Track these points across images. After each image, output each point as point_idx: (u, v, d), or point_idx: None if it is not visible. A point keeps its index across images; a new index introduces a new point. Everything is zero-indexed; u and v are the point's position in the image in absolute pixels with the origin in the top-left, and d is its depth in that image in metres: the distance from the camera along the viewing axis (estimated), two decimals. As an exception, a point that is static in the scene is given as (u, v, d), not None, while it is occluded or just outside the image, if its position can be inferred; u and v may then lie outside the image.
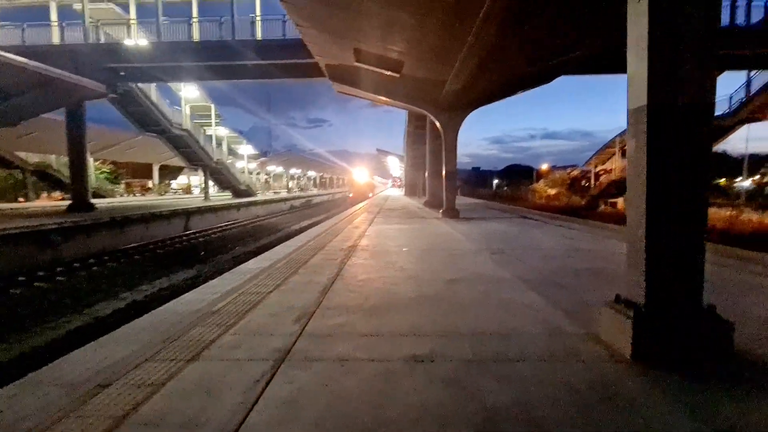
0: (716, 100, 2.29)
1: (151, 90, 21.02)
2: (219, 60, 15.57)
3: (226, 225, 21.51)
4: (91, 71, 15.73)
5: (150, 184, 45.35)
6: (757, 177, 45.84)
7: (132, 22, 16.05)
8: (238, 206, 26.81)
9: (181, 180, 53.98)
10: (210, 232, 18.85)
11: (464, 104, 11.35)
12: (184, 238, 16.56)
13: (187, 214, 20.11)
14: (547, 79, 11.37)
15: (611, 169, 40.21)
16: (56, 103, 14.41)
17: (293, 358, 2.29)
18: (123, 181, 44.26)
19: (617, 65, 15.14)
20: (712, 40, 2.20)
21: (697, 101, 2.17)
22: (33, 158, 30.57)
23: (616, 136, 33.45)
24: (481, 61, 7.69)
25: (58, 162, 31.78)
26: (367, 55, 8.69)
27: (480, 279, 4.14)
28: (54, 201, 27.54)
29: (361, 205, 21.46)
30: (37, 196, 31.47)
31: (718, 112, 22.59)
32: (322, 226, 9.94)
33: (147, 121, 21.35)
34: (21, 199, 29.23)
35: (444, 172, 11.56)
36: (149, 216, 16.59)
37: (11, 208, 19.99)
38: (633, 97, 2.35)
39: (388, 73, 9.20)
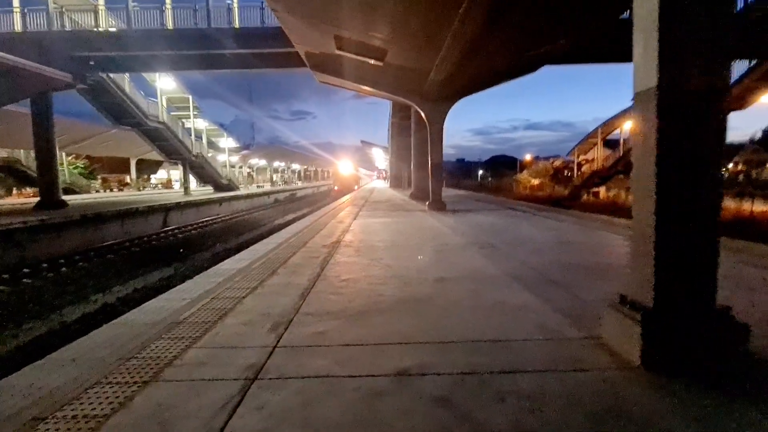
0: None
1: (125, 81, 20.11)
2: (195, 49, 14.90)
3: (207, 220, 20.90)
4: (58, 60, 14.87)
5: (128, 179, 43.87)
6: (731, 165, 47.19)
7: (100, 7, 15.17)
8: (219, 201, 26.11)
9: (161, 174, 52.45)
10: (190, 228, 18.25)
11: (449, 94, 11.09)
12: (162, 235, 15.97)
13: (166, 210, 19.43)
14: (532, 68, 11.20)
15: (593, 159, 40.76)
16: (18, 94, 13.58)
17: (266, 377, 2.02)
18: (99, 177, 42.74)
19: (601, 54, 15.14)
20: (726, 19, 2.00)
21: (712, 84, 1.96)
22: (0, 153, 29.13)
23: (598, 126, 33.76)
24: (467, 48, 7.43)
25: (28, 157, 30.36)
26: (348, 42, 8.33)
27: (470, 277, 3.93)
28: (25, 198, 26.30)
29: (345, 198, 21.13)
30: (8, 193, 30.08)
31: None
32: (305, 220, 9.62)
33: (121, 113, 20.46)
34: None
35: (429, 164, 11.34)
36: (124, 212, 15.92)
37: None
38: (640, 78, 2.12)
39: (372, 61, 8.86)
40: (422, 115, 11.41)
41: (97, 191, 36.99)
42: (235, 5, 15.06)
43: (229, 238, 16.69)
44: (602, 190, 33.69)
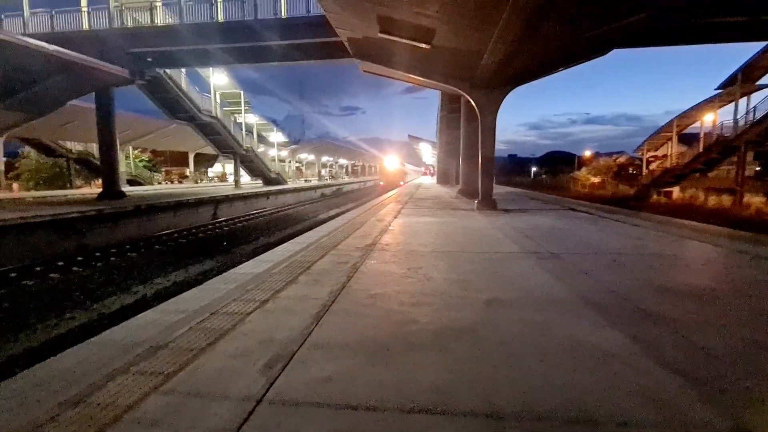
0: None
1: (181, 77, 20.89)
2: (242, 41, 14.91)
3: (254, 213, 21.24)
4: (117, 57, 15.56)
5: (187, 171, 46.47)
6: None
7: (157, 3, 15.63)
8: (267, 194, 26.60)
9: (217, 168, 55.15)
10: (237, 220, 18.57)
11: (503, 81, 9.99)
12: (209, 227, 16.30)
13: (215, 202, 19.96)
14: (601, 50, 9.80)
15: (665, 156, 36.81)
16: (80, 89, 14.34)
17: (230, 461, 1.38)
18: (163, 169, 45.69)
19: (676, 35, 13.12)
20: None
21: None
22: (76, 147, 31.81)
23: (673, 119, 30.30)
24: (527, 23, 6.41)
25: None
26: (393, 23, 7.58)
27: (529, 300, 3.07)
28: (97, 188, 28.51)
29: (390, 193, 20.49)
30: (86, 183, 32.84)
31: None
32: (344, 217, 9.07)
33: (176, 108, 21.30)
34: (77, 186, 30.61)
35: (480, 158, 10.33)
36: (175, 204, 16.43)
37: (51, 196, 20.64)
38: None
39: (418, 44, 8.06)
40: (473, 104, 10.41)
41: (160, 183, 39.51)
42: (282, -5, 14.87)
43: (273, 231, 16.70)
44: (675, 190, 30.20)
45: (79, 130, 26.58)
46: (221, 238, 14.43)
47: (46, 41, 12.77)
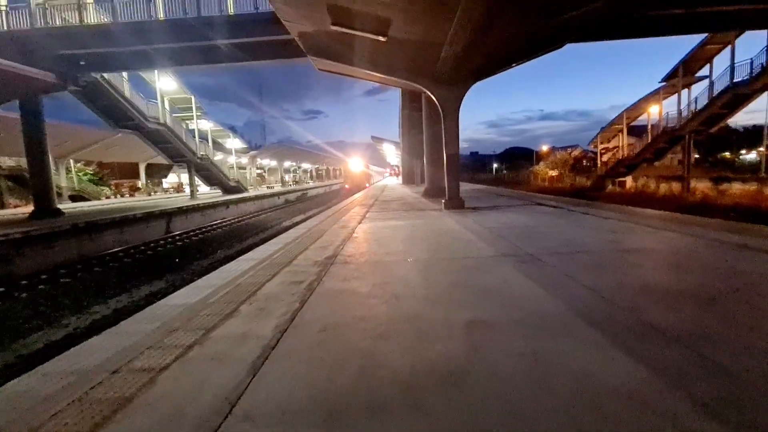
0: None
1: (123, 82, 19.30)
2: (185, 41, 13.81)
3: (213, 225, 19.98)
4: (45, 61, 14.02)
5: (139, 184, 43.60)
6: (762, 149, 44.29)
7: (87, 1, 14.20)
8: (226, 203, 25.24)
9: (172, 178, 52.19)
10: (193, 233, 17.32)
11: (465, 75, 9.68)
12: (161, 242, 15.03)
13: (169, 215, 18.56)
14: (556, 42, 9.71)
15: (616, 147, 38.51)
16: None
17: None
18: (112, 182, 42.60)
19: (626, 29, 13.40)
20: None
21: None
22: (7, 162, 28.92)
23: (622, 112, 31.64)
24: (487, 10, 6.05)
25: (36, 165, 30.08)
26: (345, 13, 7.01)
27: (517, 319, 2.59)
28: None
29: (356, 196, 19.89)
30: (23, 202, 29.83)
31: (737, 78, 20.82)
32: (305, 225, 8.38)
33: (119, 115, 19.69)
34: (10, 204, 27.67)
35: (445, 157, 9.95)
36: (121, 220, 15.02)
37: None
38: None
39: (373, 36, 7.53)
40: (435, 101, 10.02)
41: (108, 197, 36.74)
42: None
43: (232, 243, 15.66)
44: (629, 179, 31.54)
45: (8, 143, 24.08)
46: (174, 255, 13.28)
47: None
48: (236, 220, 22.57)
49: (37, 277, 9.82)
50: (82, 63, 15.60)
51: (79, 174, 35.20)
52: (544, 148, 76.73)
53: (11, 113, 18.92)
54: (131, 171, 44.98)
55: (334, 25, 7.35)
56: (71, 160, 32.72)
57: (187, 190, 44.25)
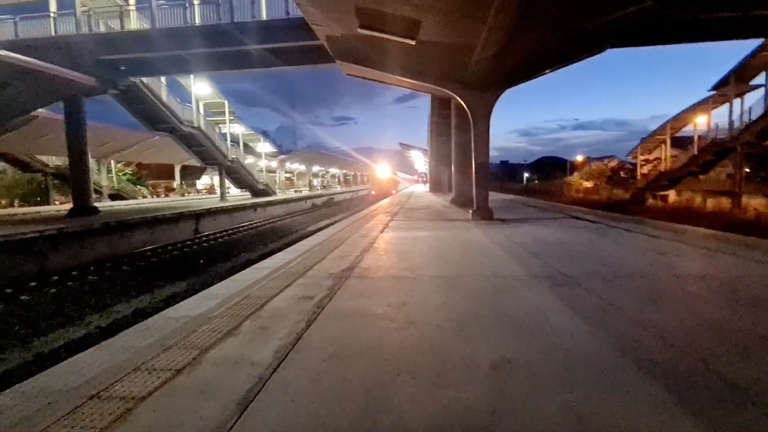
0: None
1: (161, 86, 20.00)
2: (218, 46, 14.07)
3: (239, 227, 20.23)
4: (86, 65, 14.65)
5: (174, 184, 45.27)
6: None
7: (130, 7, 14.77)
8: (254, 206, 25.61)
9: (205, 180, 53.95)
10: (219, 235, 17.56)
11: (496, 81, 9.24)
12: (188, 243, 15.27)
13: (197, 216, 18.94)
14: (594, 48, 9.15)
15: (657, 159, 36.50)
16: (43, 98, 13.37)
17: None
18: (149, 182, 44.48)
19: (671, 33, 12.51)
20: None
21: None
22: (54, 161, 30.61)
23: (666, 122, 29.92)
24: (523, 11, 5.65)
25: (80, 165, 31.74)
26: (373, 15, 6.79)
27: (555, 361, 2.18)
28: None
29: (381, 203, 19.65)
30: (67, 199, 31.54)
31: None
32: (326, 232, 8.17)
33: (155, 118, 20.35)
34: (56, 201, 29.30)
35: (474, 165, 9.51)
36: (152, 220, 15.40)
37: (23, 212, 19.51)
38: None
39: (402, 40, 7.26)
40: (465, 107, 9.63)
41: (145, 197, 38.28)
42: (262, -4, 14.08)
43: (256, 246, 15.72)
44: (671, 193, 29.72)
45: (55, 143, 25.41)
46: (199, 256, 13.42)
47: (9, 49, 11.86)
48: (262, 223, 22.81)
49: (68, 273, 10.08)
50: (122, 68, 16.22)
51: (119, 174, 36.86)
52: (579, 158, 74.17)
53: (57, 115, 20.01)
54: (167, 172, 46.78)
55: (361, 28, 7.14)
56: (112, 161, 34.31)
57: (219, 191, 45.65)
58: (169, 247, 14.17)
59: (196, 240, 15.89)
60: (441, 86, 9.64)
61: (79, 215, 15.33)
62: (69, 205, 24.93)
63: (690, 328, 2.58)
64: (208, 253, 14.06)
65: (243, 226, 20.47)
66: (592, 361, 2.15)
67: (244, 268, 5.45)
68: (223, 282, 4.08)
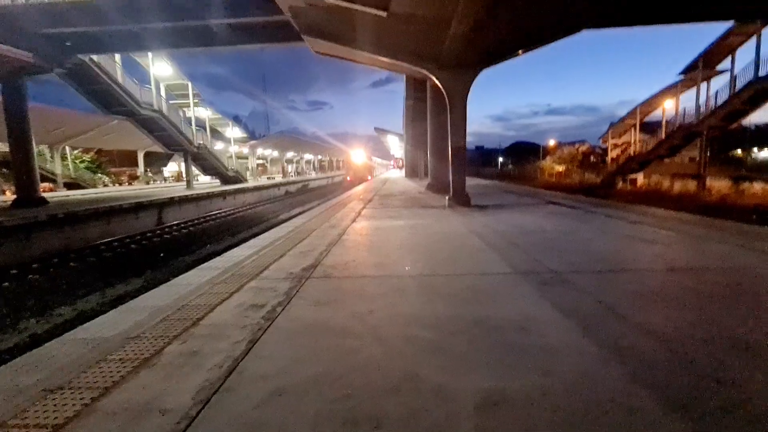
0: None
1: (116, 66, 18.42)
2: (178, 19, 12.86)
3: (206, 216, 19.20)
4: (28, 39, 13.18)
5: (138, 172, 42.91)
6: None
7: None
8: (223, 194, 24.46)
9: (172, 167, 51.45)
10: (183, 226, 16.55)
11: (473, 58, 8.73)
12: (148, 235, 14.26)
13: (160, 205, 17.79)
14: (570, 28, 8.79)
15: (627, 144, 37.29)
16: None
17: None
18: (110, 170, 41.90)
19: (651, 14, 12.31)
20: None
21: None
22: (2, 148, 28.20)
23: (636, 106, 30.36)
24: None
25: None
26: (339, -19, 6.09)
27: (555, 390, 1.73)
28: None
29: (356, 189, 19.03)
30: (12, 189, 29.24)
31: (762, 72, 19.58)
32: (293, 222, 7.55)
33: (110, 100, 18.85)
34: (6, 192, 27.02)
35: (450, 149, 9.05)
36: (107, 210, 14.26)
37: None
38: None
39: (371, 10, 6.61)
40: (440, 87, 9.09)
41: (106, 185, 36.08)
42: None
43: (223, 236, 14.88)
44: (640, 176, 30.40)
45: (2, 129, 23.33)
46: (160, 249, 12.51)
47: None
48: (232, 211, 21.79)
49: (4, 272, 9.07)
50: (68, 44, 14.73)
51: (76, 161, 34.50)
52: (551, 142, 75.35)
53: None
54: (131, 159, 44.21)
55: (327, -5, 6.43)
56: (67, 148, 31.99)
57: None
58: (127, 240, 13.15)
59: (158, 231, 14.87)
60: (416, 65, 9.04)
61: (23, 206, 14.00)
62: (12, 196, 23.14)
63: (704, 336, 2.19)
64: (169, 245, 13.15)
65: (210, 216, 19.45)
66: (598, 386, 1.70)
67: (211, 257, 4.81)
68: (157, 289, 3.45)
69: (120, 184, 39.17)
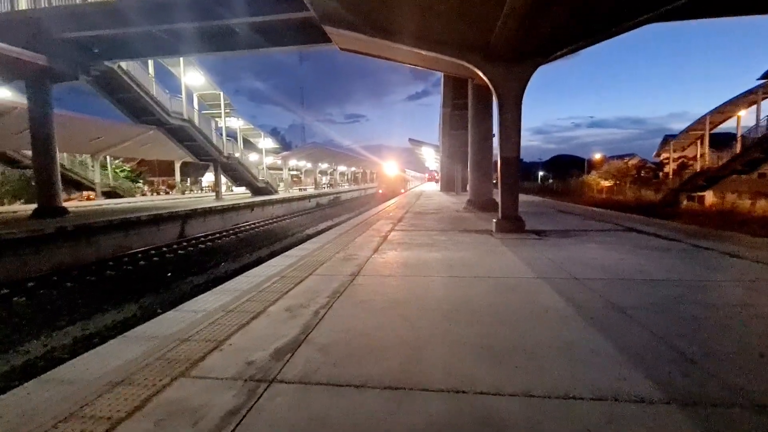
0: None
1: (148, 75, 18.17)
2: (200, 20, 12.03)
3: (231, 229, 18.30)
4: (51, 44, 12.83)
5: (175, 182, 43.77)
6: None
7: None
8: (251, 206, 23.72)
9: (209, 177, 52.40)
10: (206, 239, 15.64)
11: (530, 48, 7.01)
12: (164, 249, 13.36)
13: (183, 217, 17.07)
14: (637, 13, 6.95)
15: (691, 157, 33.56)
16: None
17: None
18: (148, 180, 42.98)
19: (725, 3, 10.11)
20: None
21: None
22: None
23: (705, 114, 27.01)
24: None
25: (74, 161, 30.33)
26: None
27: None
28: (75, 202, 25.72)
29: (387, 203, 17.51)
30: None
31: None
32: (302, 248, 6.06)
33: (139, 109, 18.55)
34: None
35: (499, 161, 7.30)
36: (128, 222, 13.55)
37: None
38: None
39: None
40: (489, 85, 7.41)
41: (144, 194, 36.79)
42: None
43: (242, 254, 13.73)
44: (708, 194, 26.83)
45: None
46: (173, 266, 11.47)
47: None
48: (257, 225, 20.86)
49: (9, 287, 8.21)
50: (95, 50, 14.41)
51: (117, 170, 35.40)
52: (597, 156, 70.99)
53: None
54: (170, 169, 45.28)
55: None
56: (108, 158, 32.82)
57: (223, 189, 43.91)
58: (139, 255, 12.26)
59: (174, 246, 13.96)
60: (456, 57, 7.41)
61: (42, 216, 13.53)
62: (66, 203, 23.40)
63: None
64: (183, 262, 12.11)
65: (234, 229, 18.52)
66: None
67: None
68: (104, 346, 1.98)
69: (158, 193, 39.98)
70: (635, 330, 2.62)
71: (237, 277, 4.30)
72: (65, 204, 18.13)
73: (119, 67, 15.91)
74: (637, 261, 4.69)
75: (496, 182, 8.57)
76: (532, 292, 3.49)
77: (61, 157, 28.70)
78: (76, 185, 30.24)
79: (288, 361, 2.25)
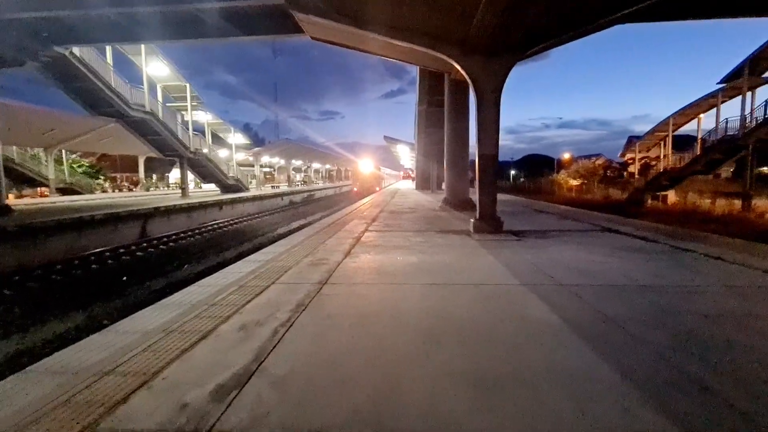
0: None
1: (105, 64, 16.93)
2: (165, 3, 11.16)
3: (197, 228, 17.36)
4: (3, 30, 11.63)
5: (139, 178, 41.61)
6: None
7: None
8: (219, 204, 22.69)
9: (176, 173, 50.20)
10: (169, 240, 14.71)
11: (509, 43, 6.76)
12: (122, 251, 12.41)
13: (145, 215, 16.03)
14: (607, 17, 6.89)
15: (655, 157, 34.89)
16: None
17: None
18: (110, 176, 40.64)
19: (691, 5, 10.30)
20: None
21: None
22: (-7, 151, 26.93)
23: (669, 117, 28.02)
24: None
25: (23, 155, 28.11)
26: None
27: None
28: (28, 199, 23.77)
29: (362, 201, 17.08)
30: (9, 194, 27.94)
31: None
32: (267, 251, 5.57)
33: (96, 100, 17.29)
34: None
35: (477, 160, 7.02)
36: (83, 221, 12.52)
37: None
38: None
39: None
40: (467, 80, 7.11)
41: (105, 191, 34.72)
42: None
43: (208, 255, 12.96)
44: (671, 193, 27.88)
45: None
46: (129, 269, 10.63)
47: None
48: (226, 223, 19.95)
49: None
50: (44, 34, 13.20)
51: (73, 166, 33.22)
52: (566, 155, 72.94)
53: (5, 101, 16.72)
54: (133, 164, 43.02)
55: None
56: (63, 152, 30.70)
57: (192, 186, 42.13)
58: (92, 259, 11.30)
59: (132, 247, 13.01)
60: (433, 49, 7.07)
61: (-18, 216, 12.30)
62: (9, 201, 21.56)
63: None
64: (141, 265, 11.26)
65: (200, 228, 17.59)
66: None
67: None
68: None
69: (120, 190, 37.87)
70: (638, 348, 2.33)
71: (188, 287, 3.79)
72: (16, 201, 16.67)
73: (71, 53, 14.70)
74: (621, 264, 4.49)
75: (473, 180, 8.33)
76: (519, 303, 3.18)
77: (10, 151, 26.62)
78: (28, 181, 28.10)
79: (232, 402, 1.81)
